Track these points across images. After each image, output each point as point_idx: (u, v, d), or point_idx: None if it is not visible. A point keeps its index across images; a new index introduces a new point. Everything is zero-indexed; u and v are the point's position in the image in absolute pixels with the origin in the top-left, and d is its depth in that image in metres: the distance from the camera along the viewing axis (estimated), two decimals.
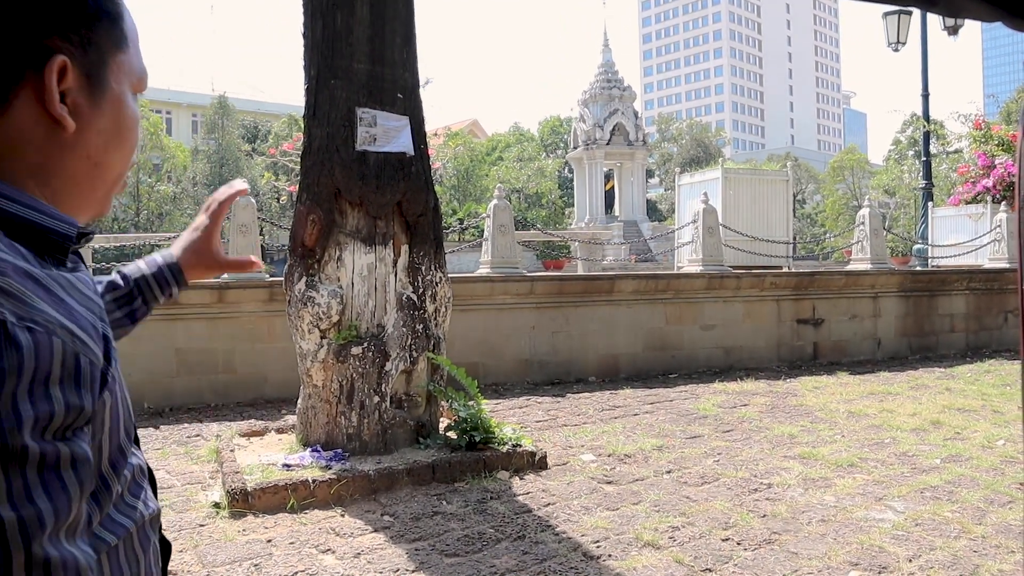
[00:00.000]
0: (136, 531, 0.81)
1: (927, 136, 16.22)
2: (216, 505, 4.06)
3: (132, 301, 1.20)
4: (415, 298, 4.87)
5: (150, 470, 0.91)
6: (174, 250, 1.26)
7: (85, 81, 0.76)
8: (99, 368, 0.70)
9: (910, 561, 3.37)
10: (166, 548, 0.96)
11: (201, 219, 1.27)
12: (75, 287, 0.73)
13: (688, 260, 9.84)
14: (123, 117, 0.81)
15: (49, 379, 0.63)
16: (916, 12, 14.96)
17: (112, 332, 0.81)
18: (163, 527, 0.94)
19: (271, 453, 4.73)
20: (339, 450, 4.59)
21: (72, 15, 0.74)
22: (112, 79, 0.79)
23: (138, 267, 1.22)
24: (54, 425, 0.64)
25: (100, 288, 1.14)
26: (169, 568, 0.93)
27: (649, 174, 43.75)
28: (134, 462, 0.84)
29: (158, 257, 1.24)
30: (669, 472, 4.72)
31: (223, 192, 1.26)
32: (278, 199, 34.94)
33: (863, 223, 10.47)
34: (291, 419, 5.49)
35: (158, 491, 0.94)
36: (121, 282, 1.20)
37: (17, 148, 0.74)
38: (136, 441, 0.89)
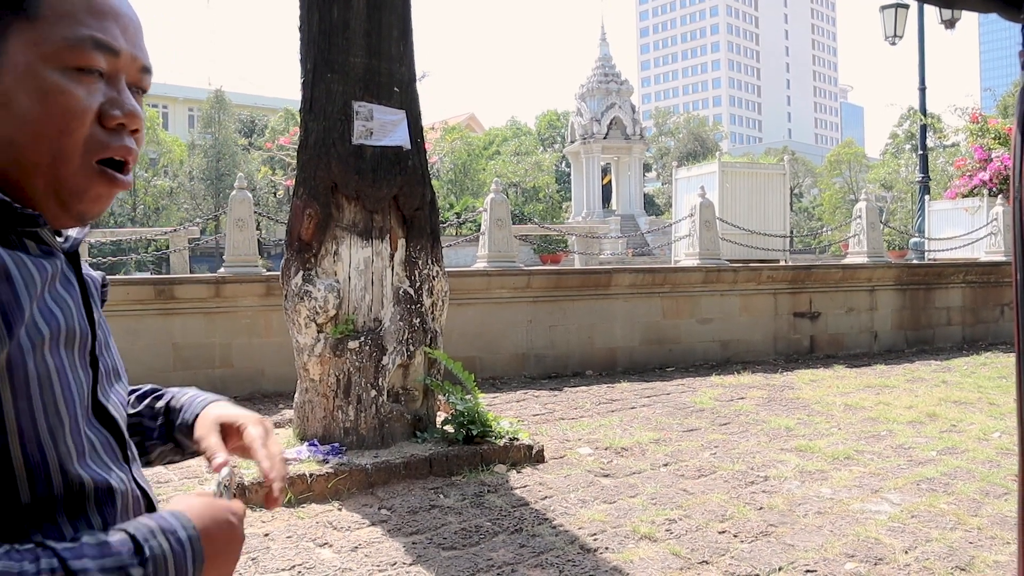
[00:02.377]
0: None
1: (924, 130, 16.23)
2: None
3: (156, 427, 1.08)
4: (412, 292, 4.87)
5: (147, 495, 0.86)
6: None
7: None
8: None
9: (906, 553, 3.38)
10: None
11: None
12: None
13: (685, 254, 9.85)
14: (35, 89, 0.74)
15: None
16: (913, 5, 14.96)
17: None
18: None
19: None
20: (336, 444, 4.60)
21: None
22: (14, 52, 0.74)
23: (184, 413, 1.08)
24: None
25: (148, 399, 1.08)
26: None
27: (646, 168, 43.72)
28: (100, 477, 0.77)
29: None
30: (666, 465, 4.73)
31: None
32: (275, 193, 34.92)
33: (860, 216, 10.47)
34: (288, 413, 5.49)
35: (151, 491, 0.90)
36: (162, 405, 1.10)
37: None
38: (124, 458, 0.83)
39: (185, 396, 1.10)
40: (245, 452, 1.00)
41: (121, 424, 0.84)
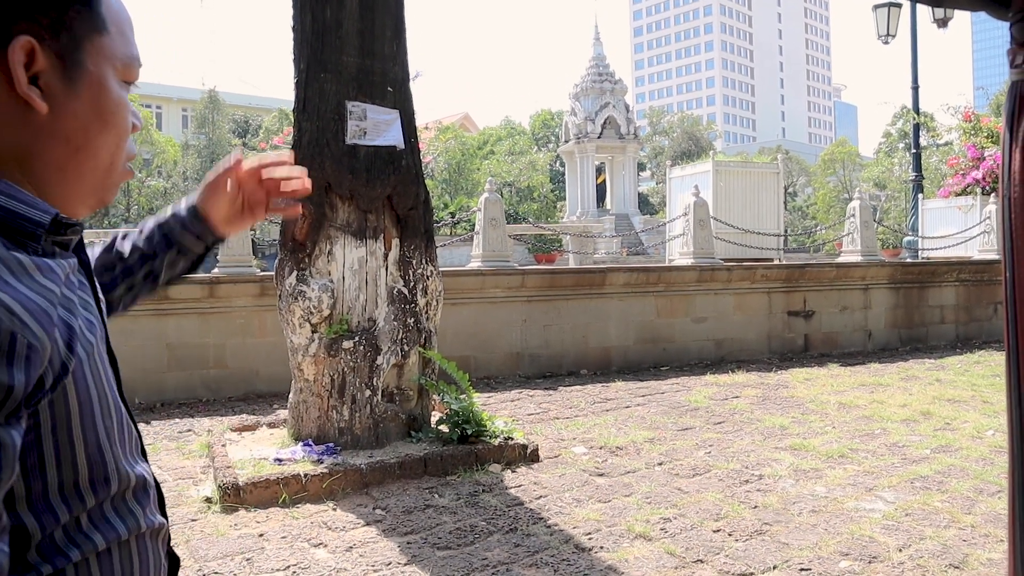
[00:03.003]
0: (133, 539, 0.82)
1: (917, 128, 16.27)
2: (208, 500, 4.06)
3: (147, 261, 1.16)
4: (406, 292, 4.86)
5: (158, 486, 0.92)
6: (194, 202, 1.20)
7: (58, 63, 0.76)
8: (43, 352, 0.68)
9: (900, 551, 3.39)
10: (174, 564, 0.97)
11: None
12: (33, 271, 0.71)
13: (679, 253, 9.86)
14: (104, 101, 0.80)
15: None
16: (906, 4, 15.00)
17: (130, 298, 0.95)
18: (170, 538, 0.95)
19: (263, 448, 4.73)
20: (331, 444, 4.59)
21: (41, 3, 0.74)
22: (89, 62, 0.79)
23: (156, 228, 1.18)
24: None
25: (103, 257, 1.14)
26: None
27: (640, 167, 43.77)
28: (136, 471, 0.84)
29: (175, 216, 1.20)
30: (661, 464, 4.73)
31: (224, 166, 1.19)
32: None
33: (854, 215, 10.50)
34: (283, 413, 5.49)
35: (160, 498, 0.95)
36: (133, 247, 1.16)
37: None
38: (143, 455, 0.89)
39: (147, 223, 1.19)
40: (252, 177, 1.17)
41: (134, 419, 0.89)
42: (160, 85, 55.03)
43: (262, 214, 1.22)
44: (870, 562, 3.27)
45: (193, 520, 3.81)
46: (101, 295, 0.90)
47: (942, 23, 14.55)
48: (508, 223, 9.20)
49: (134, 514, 0.82)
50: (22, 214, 0.73)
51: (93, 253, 1.10)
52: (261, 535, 3.60)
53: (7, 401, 0.65)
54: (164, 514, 0.92)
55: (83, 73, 0.78)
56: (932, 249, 13.84)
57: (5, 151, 0.75)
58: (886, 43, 15.23)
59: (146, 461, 0.89)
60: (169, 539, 0.94)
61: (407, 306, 4.85)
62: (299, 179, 1.20)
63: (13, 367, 0.65)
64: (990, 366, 8.32)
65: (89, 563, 0.77)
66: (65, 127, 0.78)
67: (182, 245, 1.17)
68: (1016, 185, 1.17)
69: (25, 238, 0.73)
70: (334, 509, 3.95)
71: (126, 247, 1.15)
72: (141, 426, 5.78)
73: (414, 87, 5.13)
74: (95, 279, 0.88)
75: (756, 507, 3.95)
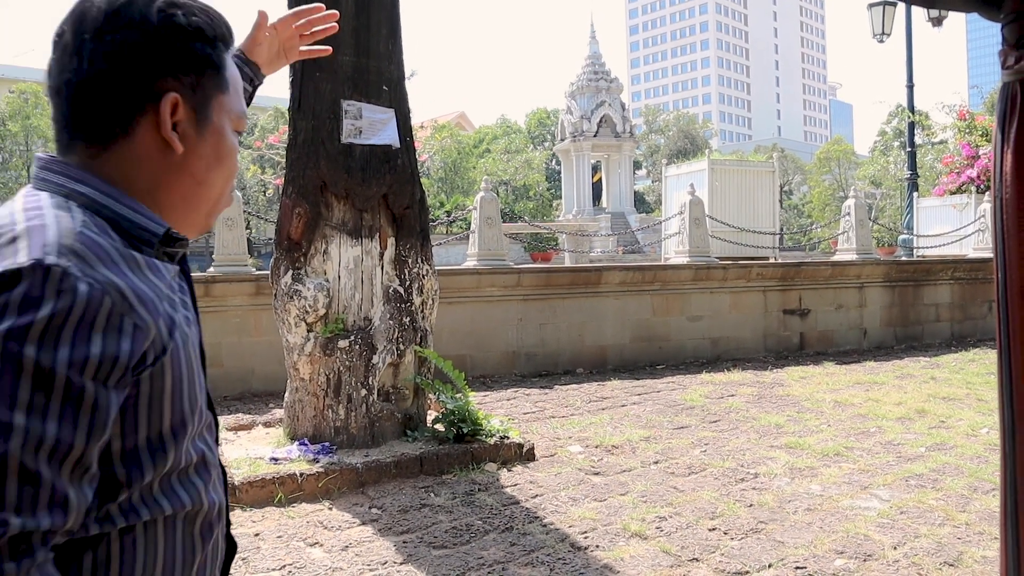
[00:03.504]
0: (196, 513, 0.97)
1: (912, 127, 16.31)
2: None
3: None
4: (402, 291, 4.86)
5: (223, 468, 1.07)
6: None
7: (192, 115, 0.97)
8: (148, 335, 0.85)
9: (895, 548, 3.40)
10: (231, 547, 1.11)
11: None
12: (145, 268, 0.90)
13: (675, 251, 9.87)
14: (222, 146, 1.01)
15: (94, 325, 0.80)
16: (900, 3, 15.02)
17: None
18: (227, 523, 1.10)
19: (258, 447, 4.72)
20: (327, 443, 4.59)
21: (184, 64, 0.96)
22: (214, 115, 1.00)
23: None
24: (90, 366, 0.80)
25: None
26: None
27: (636, 166, 43.80)
28: (205, 451, 1.00)
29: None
30: (656, 463, 4.74)
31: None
32: (264, 192, 34.81)
33: (849, 214, 10.52)
34: (278, 413, 5.48)
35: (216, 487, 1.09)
36: None
37: (138, 165, 0.95)
38: (216, 439, 1.06)
39: None
40: (287, 24, 1.47)
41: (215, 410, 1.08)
42: None
43: (295, 55, 1.51)
44: (865, 560, 3.28)
45: None
46: (196, 300, 1.09)
47: (937, 22, 14.58)
48: (504, 222, 9.21)
49: (196, 487, 0.97)
50: (141, 224, 0.93)
51: None
52: (257, 535, 3.60)
53: (114, 369, 0.82)
54: (227, 494, 1.08)
55: (209, 123, 0.99)
56: (927, 247, 13.87)
57: (141, 182, 0.95)
58: (881, 42, 15.25)
59: (217, 445, 1.06)
60: (229, 522, 1.09)
61: (403, 305, 4.85)
62: (330, 25, 1.52)
63: (122, 341, 0.82)
64: (985, 364, 8.35)
65: (156, 525, 0.92)
66: (192, 165, 0.98)
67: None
68: (1008, 186, 1.17)
69: (141, 244, 0.92)
70: (330, 508, 3.95)
71: None
72: None
73: (410, 86, 5.13)
74: (193, 286, 1.07)
75: (752, 505, 3.96)
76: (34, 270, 0.79)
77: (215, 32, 1.00)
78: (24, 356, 0.77)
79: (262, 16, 1.44)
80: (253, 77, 1.44)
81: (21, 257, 0.80)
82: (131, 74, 0.93)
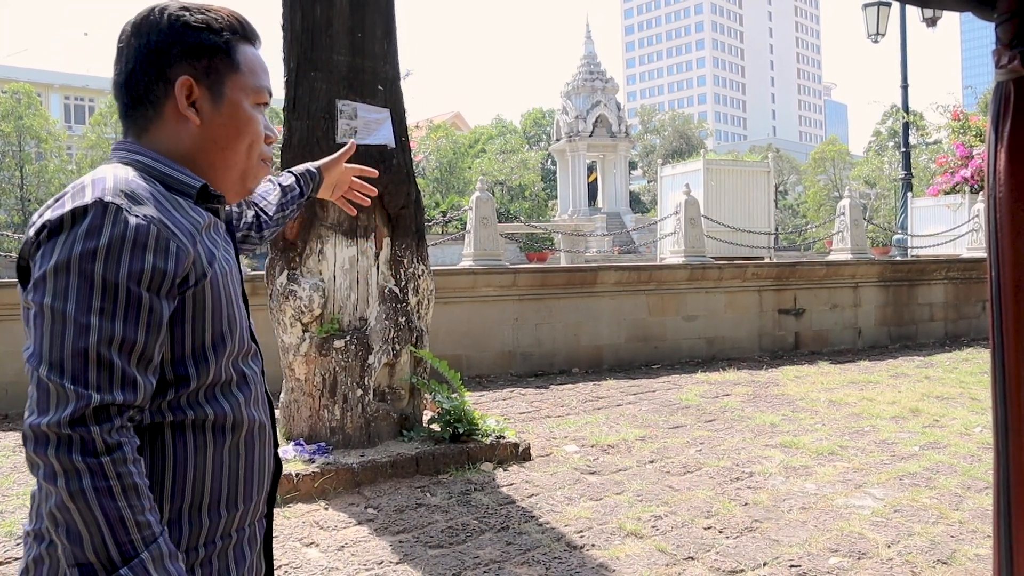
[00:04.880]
0: (238, 424, 1.18)
1: (906, 127, 16.34)
2: None
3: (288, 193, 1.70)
4: (397, 291, 4.86)
5: (269, 397, 1.32)
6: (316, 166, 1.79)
7: (208, 93, 1.19)
8: (189, 256, 1.09)
9: (889, 547, 3.41)
10: (279, 466, 1.35)
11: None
12: (186, 209, 1.14)
13: (670, 251, 9.88)
14: (238, 115, 1.21)
15: (145, 248, 1.03)
16: (895, 4, 15.06)
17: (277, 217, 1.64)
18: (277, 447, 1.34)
19: None
20: (322, 443, 4.59)
21: (195, 52, 1.18)
22: (228, 91, 1.21)
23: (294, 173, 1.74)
24: (144, 278, 1.03)
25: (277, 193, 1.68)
26: None
27: (632, 166, 43.81)
28: (245, 371, 1.23)
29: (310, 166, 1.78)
30: (652, 462, 4.75)
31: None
32: None
33: (843, 213, 10.55)
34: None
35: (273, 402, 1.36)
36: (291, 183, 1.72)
37: (173, 138, 1.19)
38: (261, 369, 1.30)
39: (289, 179, 1.73)
40: (349, 171, 1.86)
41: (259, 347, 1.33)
42: None
43: (339, 193, 1.86)
44: (859, 558, 3.29)
45: None
46: (239, 256, 1.38)
47: (931, 22, 14.62)
48: (499, 222, 9.21)
49: (237, 400, 1.18)
50: (182, 180, 1.17)
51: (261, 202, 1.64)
52: None
53: (164, 281, 1.05)
54: (274, 423, 1.31)
55: (223, 98, 1.20)
56: (921, 247, 13.91)
57: (178, 150, 1.19)
58: (876, 42, 15.28)
59: (263, 375, 1.30)
60: (276, 443, 1.32)
61: (398, 305, 4.85)
62: (368, 191, 1.92)
63: (168, 260, 1.05)
64: (978, 363, 8.38)
65: (204, 431, 1.14)
66: (215, 133, 1.20)
67: (303, 199, 1.75)
68: (1001, 185, 1.18)
69: (182, 195, 1.16)
70: (326, 508, 3.95)
71: (285, 185, 1.70)
72: None
73: (405, 86, 5.13)
74: (238, 248, 1.37)
75: (747, 504, 3.97)
76: (96, 206, 1.03)
77: (221, 24, 1.21)
78: (95, 272, 1.00)
79: (352, 146, 1.80)
80: (305, 188, 1.73)
81: (87, 198, 1.04)
82: (152, 67, 1.17)
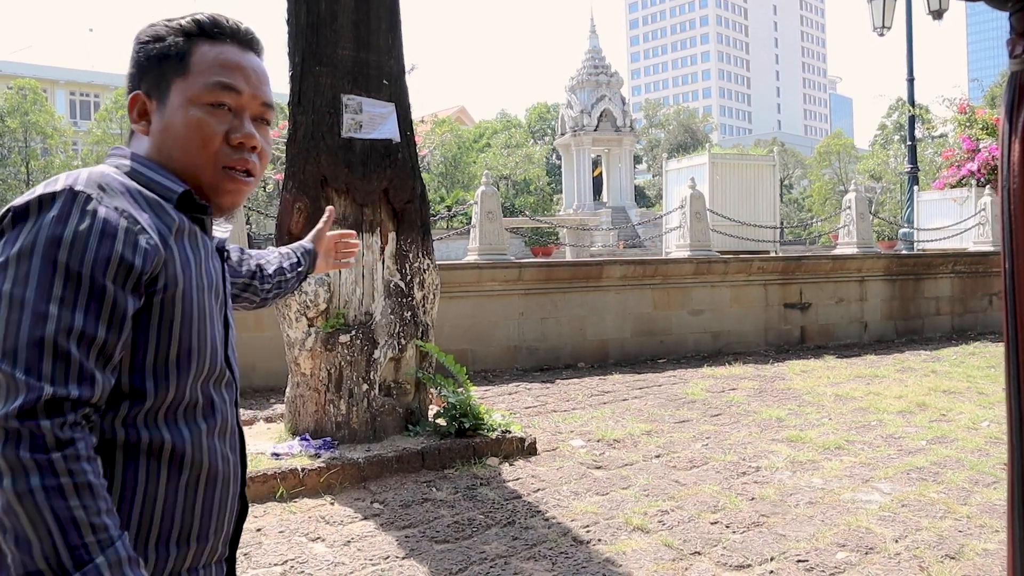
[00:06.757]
0: (198, 458, 1.10)
1: (912, 121, 16.27)
2: None
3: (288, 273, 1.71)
4: (403, 285, 4.86)
5: (240, 431, 1.24)
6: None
7: (156, 103, 1.17)
8: (158, 255, 1.04)
9: (896, 541, 3.40)
10: (243, 507, 1.25)
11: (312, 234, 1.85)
12: (160, 211, 1.10)
13: (676, 245, 9.86)
14: (183, 119, 1.16)
15: (115, 238, 1.00)
16: None
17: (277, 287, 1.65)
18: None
19: (260, 442, 4.72)
20: (328, 438, 4.59)
21: (146, 66, 1.18)
22: (173, 96, 1.17)
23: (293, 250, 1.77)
24: (111, 269, 0.99)
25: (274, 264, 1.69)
26: None
27: (637, 160, 43.74)
28: (214, 398, 1.15)
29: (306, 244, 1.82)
30: (658, 456, 4.74)
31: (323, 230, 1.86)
32: (264, 187, 34.72)
33: (849, 207, 10.51)
34: (280, 408, 5.48)
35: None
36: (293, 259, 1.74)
37: (149, 145, 1.18)
38: (235, 400, 1.22)
39: (276, 255, 1.72)
40: (332, 237, 1.89)
41: (237, 374, 1.25)
42: None
43: (331, 258, 1.89)
44: (867, 553, 3.28)
45: None
46: (229, 279, 1.31)
47: (937, 15, 14.51)
48: (504, 216, 9.20)
49: (199, 428, 1.11)
50: (160, 182, 1.14)
51: (248, 259, 1.63)
52: (259, 530, 3.60)
53: (130, 275, 1.01)
54: (243, 459, 1.24)
55: (167, 104, 1.17)
56: (927, 241, 13.84)
57: (155, 155, 1.17)
58: (881, 35, 15.20)
59: (236, 408, 1.22)
60: (244, 482, 1.24)
61: (404, 300, 4.84)
62: (353, 246, 1.94)
63: (136, 254, 1.01)
64: (985, 357, 8.35)
65: (160, 459, 1.06)
66: (168, 136, 1.16)
67: (301, 271, 1.76)
68: (1016, 176, 1.16)
69: (163, 199, 1.12)
70: (332, 503, 3.95)
71: (272, 262, 1.69)
72: None
73: (410, 80, 5.12)
74: (227, 272, 1.29)
75: (753, 499, 3.96)
76: (65, 193, 1.01)
77: (171, 30, 1.19)
78: (58, 259, 0.96)
79: (331, 213, 1.84)
80: (301, 261, 1.75)
81: (58, 185, 1.02)
82: (130, 87, 1.21)
